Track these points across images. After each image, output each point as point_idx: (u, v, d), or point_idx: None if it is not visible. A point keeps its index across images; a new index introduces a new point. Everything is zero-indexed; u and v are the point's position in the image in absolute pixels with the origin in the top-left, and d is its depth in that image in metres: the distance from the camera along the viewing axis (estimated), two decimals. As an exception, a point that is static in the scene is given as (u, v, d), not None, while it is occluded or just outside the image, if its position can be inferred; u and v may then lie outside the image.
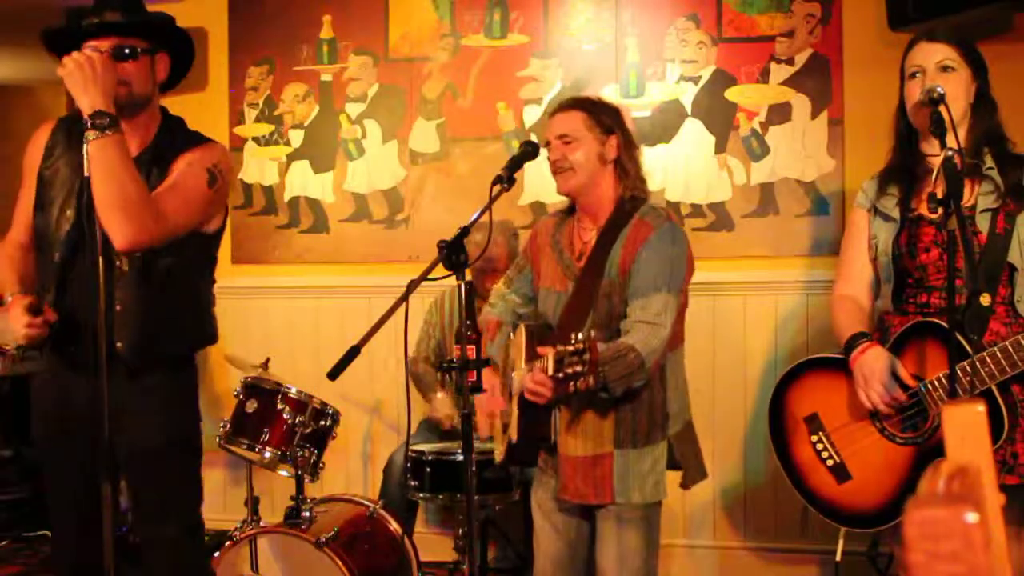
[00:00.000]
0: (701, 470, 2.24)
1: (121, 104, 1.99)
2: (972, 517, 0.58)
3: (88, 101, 1.87)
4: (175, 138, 2.13)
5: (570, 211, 2.30)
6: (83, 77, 1.87)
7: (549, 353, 1.84)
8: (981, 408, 0.72)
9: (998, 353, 1.90)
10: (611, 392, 1.99)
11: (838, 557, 2.81)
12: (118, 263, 2.05)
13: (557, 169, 2.16)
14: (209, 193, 2.09)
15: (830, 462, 2.17)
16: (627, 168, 2.20)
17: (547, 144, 2.20)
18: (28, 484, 4.41)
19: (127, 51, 2.00)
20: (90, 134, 1.87)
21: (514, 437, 2.14)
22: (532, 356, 2.08)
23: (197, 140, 2.16)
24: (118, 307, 2.06)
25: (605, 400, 2.07)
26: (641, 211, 2.16)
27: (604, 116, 2.19)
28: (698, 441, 2.27)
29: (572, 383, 1.78)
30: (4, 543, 4.10)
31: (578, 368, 1.73)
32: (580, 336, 1.75)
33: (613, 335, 2.08)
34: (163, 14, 2.14)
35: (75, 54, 1.88)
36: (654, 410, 2.13)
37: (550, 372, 1.81)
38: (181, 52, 2.18)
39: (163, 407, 2.15)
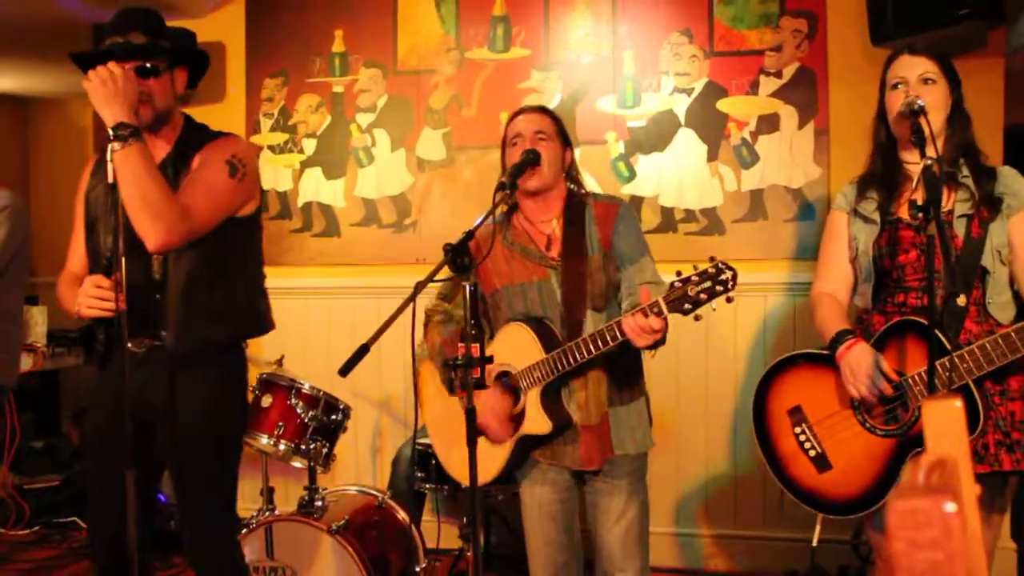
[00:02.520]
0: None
1: (147, 123, 2.01)
2: (950, 507, 0.58)
3: (110, 114, 1.88)
4: (194, 139, 2.12)
5: (506, 216, 2.29)
6: (106, 92, 1.88)
7: (658, 295, 1.86)
8: (959, 404, 0.73)
9: (976, 350, 1.91)
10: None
11: (814, 543, 2.82)
12: (157, 257, 2.03)
13: (531, 163, 2.17)
14: (232, 183, 2.06)
15: (812, 452, 2.17)
16: (577, 179, 2.31)
17: (516, 137, 2.22)
18: (59, 473, 4.43)
19: (149, 68, 2.00)
20: (114, 145, 1.87)
21: (546, 429, 2.13)
22: (549, 345, 2.10)
23: (213, 136, 2.15)
24: (157, 296, 2.05)
25: (601, 367, 2.14)
26: (593, 196, 2.29)
27: (565, 131, 2.31)
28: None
29: (710, 306, 1.82)
30: (36, 528, 4.12)
31: (718, 289, 1.80)
32: (713, 260, 1.81)
33: (609, 303, 2.18)
34: (183, 31, 2.15)
35: (99, 69, 1.89)
36: (633, 371, 2.24)
37: (666, 311, 1.84)
38: (196, 64, 2.18)
39: (209, 399, 2.11)
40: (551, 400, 2.15)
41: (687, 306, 1.83)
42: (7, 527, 4.05)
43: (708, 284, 1.81)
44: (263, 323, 2.26)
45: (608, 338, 1.98)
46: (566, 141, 2.29)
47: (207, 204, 2.01)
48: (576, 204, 2.24)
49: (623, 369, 2.20)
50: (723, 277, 1.81)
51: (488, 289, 2.30)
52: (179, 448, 2.10)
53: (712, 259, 1.83)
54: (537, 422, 2.14)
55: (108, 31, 2.05)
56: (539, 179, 2.19)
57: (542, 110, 2.31)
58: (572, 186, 2.29)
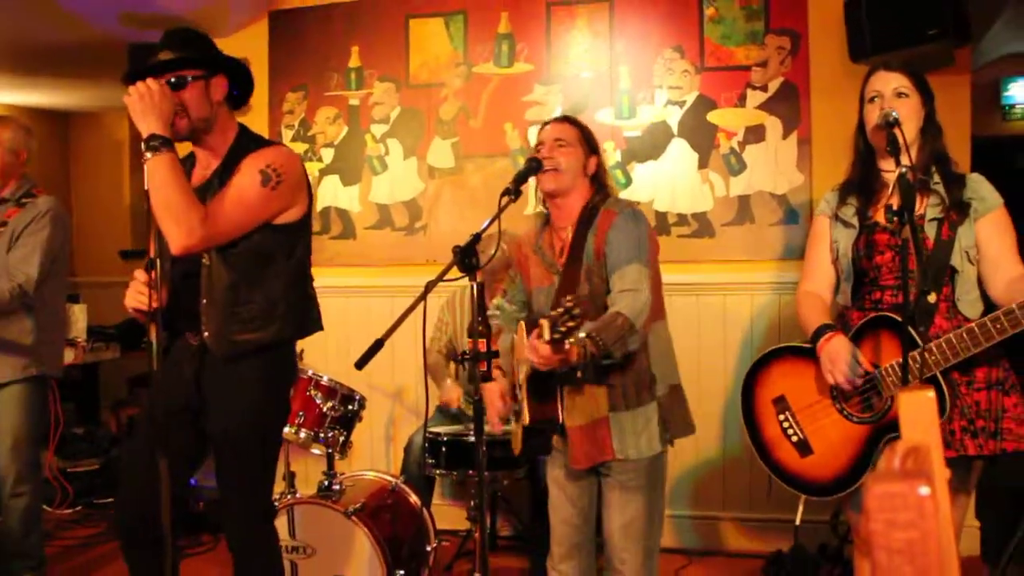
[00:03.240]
0: (688, 427, 2.24)
1: (184, 135, 2.00)
2: (925, 490, 0.58)
3: (146, 126, 1.89)
4: (243, 149, 2.06)
5: (545, 222, 2.29)
6: (143, 105, 1.88)
7: (544, 321, 1.81)
8: (931, 394, 0.73)
9: (944, 344, 1.91)
10: (612, 356, 1.98)
11: (797, 522, 2.82)
12: (204, 260, 2.02)
13: (545, 167, 2.14)
14: (263, 192, 1.99)
15: (794, 438, 2.17)
16: (603, 183, 2.23)
17: (539, 145, 2.20)
18: (98, 458, 4.45)
19: (182, 80, 1.99)
20: (147, 154, 1.88)
21: (527, 421, 2.13)
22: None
23: (257, 146, 2.08)
24: (204, 300, 2.03)
25: (599, 375, 2.07)
26: (607, 203, 2.18)
27: (591, 139, 2.24)
28: (687, 402, 2.26)
29: (567, 341, 1.77)
30: (79, 508, 4.15)
31: (570, 324, 1.73)
32: (567, 298, 1.75)
33: (599, 311, 2.08)
34: (210, 48, 2.11)
35: (138, 84, 1.90)
36: (640, 376, 2.12)
37: (546, 336, 1.78)
38: (237, 72, 2.13)
39: (250, 398, 2.07)
40: (539, 396, 2.12)
41: (555, 335, 1.76)
42: (53, 506, 4.07)
43: (565, 316, 1.74)
44: (304, 327, 2.20)
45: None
46: (591, 149, 2.22)
47: (233, 211, 1.97)
48: (590, 212, 2.17)
49: (627, 376, 2.12)
50: (575, 312, 1.74)
51: (528, 290, 2.31)
52: (220, 442, 2.09)
53: (571, 296, 1.77)
54: (523, 413, 2.15)
55: (145, 48, 2.06)
56: (553, 180, 2.15)
57: (566, 119, 2.27)
58: (599, 190, 2.21)
